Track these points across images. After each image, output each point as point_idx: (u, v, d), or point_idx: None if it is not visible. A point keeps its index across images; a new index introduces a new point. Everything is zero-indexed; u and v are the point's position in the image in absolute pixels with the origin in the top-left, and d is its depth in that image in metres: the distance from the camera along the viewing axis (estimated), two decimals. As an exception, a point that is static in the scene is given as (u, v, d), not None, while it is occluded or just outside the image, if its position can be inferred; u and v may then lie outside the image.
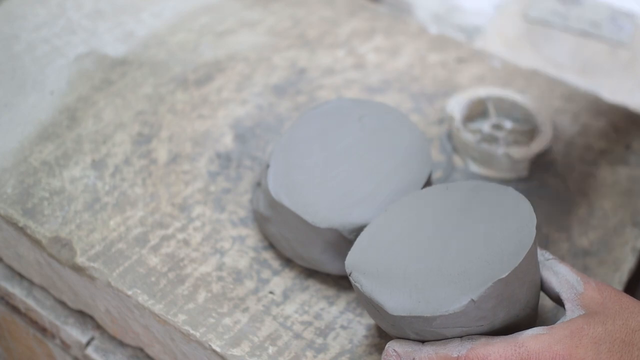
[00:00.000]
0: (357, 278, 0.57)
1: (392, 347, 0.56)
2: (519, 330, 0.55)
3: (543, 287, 0.58)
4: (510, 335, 0.53)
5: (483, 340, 0.53)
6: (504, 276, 0.52)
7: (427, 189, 0.62)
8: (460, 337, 0.54)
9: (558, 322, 0.55)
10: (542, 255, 0.59)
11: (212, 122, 0.77)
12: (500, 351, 0.52)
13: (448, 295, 0.53)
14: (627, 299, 0.55)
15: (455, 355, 0.53)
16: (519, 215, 0.56)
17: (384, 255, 0.58)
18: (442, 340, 0.54)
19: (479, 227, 0.57)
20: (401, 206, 0.61)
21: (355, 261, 0.58)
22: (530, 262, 0.55)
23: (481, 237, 0.56)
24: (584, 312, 0.54)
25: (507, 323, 0.55)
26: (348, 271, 0.58)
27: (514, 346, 0.52)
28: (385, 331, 0.58)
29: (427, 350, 0.54)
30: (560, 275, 0.57)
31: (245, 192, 0.71)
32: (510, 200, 0.58)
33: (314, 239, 0.63)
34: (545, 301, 0.64)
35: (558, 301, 0.57)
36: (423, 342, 0.55)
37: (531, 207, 0.57)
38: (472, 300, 0.52)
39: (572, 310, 0.55)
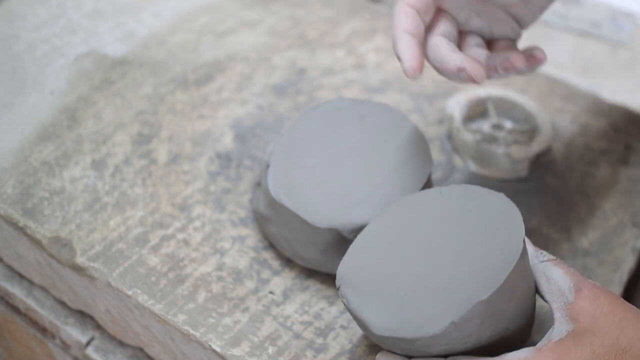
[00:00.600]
0: (345, 293, 0.57)
1: None
2: (510, 342, 0.55)
3: (537, 291, 0.57)
4: (496, 358, 0.53)
5: (466, 359, 0.53)
6: (485, 298, 0.52)
7: (421, 193, 0.62)
8: (445, 355, 0.54)
9: (544, 337, 0.54)
10: (537, 257, 0.57)
11: (212, 122, 0.77)
12: None
13: (430, 316, 0.53)
14: (621, 310, 0.53)
15: None
16: (508, 225, 0.55)
17: (373, 268, 0.58)
18: (428, 358, 0.54)
19: (469, 238, 0.56)
20: (393, 212, 0.61)
21: (345, 273, 0.58)
22: (517, 276, 0.53)
23: (469, 248, 0.55)
24: (572, 326, 0.53)
25: (495, 338, 0.54)
26: (337, 284, 0.58)
27: None
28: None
29: None
30: (552, 280, 0.55)
31: (245, 192, 0.71)
32: (502, 208, 0.56)
33: (314, 239, 0.63)
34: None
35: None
36: (410, 357, 0.55)
37: (521, 216, 0.55)
38: (453, 322, 0.52)
39: (560, 321, 0.54)
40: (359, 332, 0.63)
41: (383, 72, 0.84)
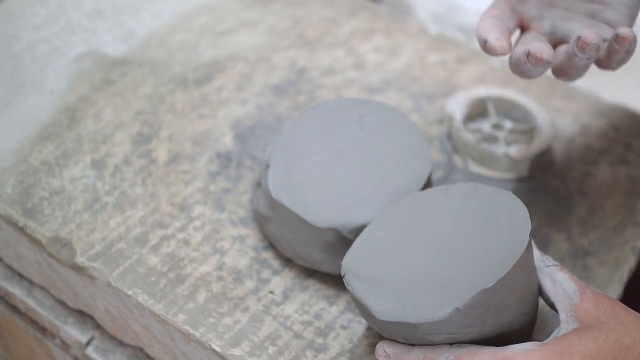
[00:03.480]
0: (350, 280, 0.57)
1: (383, 347, 0.56)
2: (512, 339, 0.55)
3: (541, 293, 0.58)
4: (501, 348, 0.53)
5: (472, 349, 0.53)
6: (490, 286, 0.52)
7: (429, 190, 0.62)
8: (450, 344, 0.54)
9: (552, 335, 0.54)
10: (543, 261, 0.58)
11: (212, 122, 0.77)
12: None
13: (434, 302, 0.53)
14: (623, 313, 0.54)
15: None
16: (515, 221, 0.56)
17: (379, 259, 0.58)
18: (432, 346, 0.54)
19: (474, 232, 0.57)
20: (401, 208, 0.61)
21: (351, 263, 0.59)
22: (522, 270, 0.54)
23: (475, 242, 0.56)
24: (577, 325, 0.54)
25: (498, 331, 0.54)
26: (343, 273, 0.58)
27: (502, 359, 0.52)
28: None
29: (416, 353, 0.54)
30: (557, 283, 0.57)
31: (245, 192, 0.71)
32: (508, 205, 0.57)
33: (314, 239, 0.63)
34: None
35: (555, 309, 0.57)
36: (412, 346, 0.55)
37: (527, 213, 0.56)
38: (457, 308, 0.52)
39: (566, 321, 0.55)
40: (360, 332, 0.63)
41: (383, 72, 0.84)
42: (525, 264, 0.54)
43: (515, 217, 0.56)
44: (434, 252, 0.57)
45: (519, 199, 0.57)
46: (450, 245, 0.57)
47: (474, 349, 0.53)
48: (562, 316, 0.55)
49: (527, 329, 0.57)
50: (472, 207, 0.58)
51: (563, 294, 0.56)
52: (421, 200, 0.61)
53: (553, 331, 0.55)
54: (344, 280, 0.58)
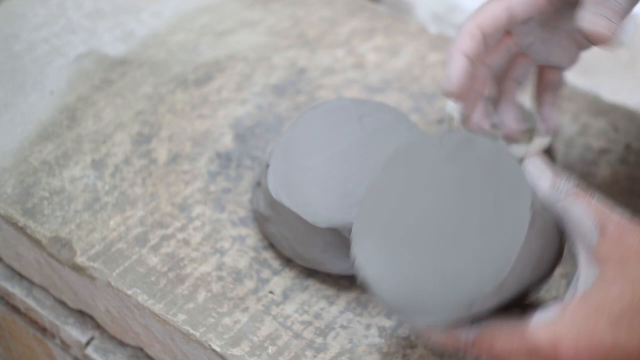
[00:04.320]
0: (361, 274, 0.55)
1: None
2: (532, 290, 0.52)
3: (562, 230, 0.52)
4: (520, 323, 0.50)
5: (491, 326, 0.51)
6: (495, 285, 0.49)
7: (419, 142, 0.58)
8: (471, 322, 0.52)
9: (570, 288, 0.50)
10: (554, 197, 0.51)
11: (212, 122, 0.77)
12: (505, 342, 0.50)
13: (439, 304, 0.51)
14: None
15: (464, 339, 0.51)
16: (514, 192, 0.51)
17: (385, 247, 0.54)
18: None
19: (473, 207, 0.53)
20: (392, 173, 0.57)
21: (361, 258, 0.55)
22: (528, 249, 0.50)
23: (476, 222, 0.52)
24: (598, 271, 0.48)
25: (516, 293, 0.52)
26: (353, 267, 0.55)
27: (521, 339, 0.49)
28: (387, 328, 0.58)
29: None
30: (573, 223, 0.50)
31: (245, 192, 0.71)
32: (506, 168, 0.52)
33: (314, 239, 0.63)
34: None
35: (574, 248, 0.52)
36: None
37: (527, 181, 0.51)
38: (466, 308, 0.50)
39: (586, 266, 0.49)
40: (359, 332, 0.63)
41: (383, 72, 0.84)
42: (530, 240, 0.50)
43: (514, 185, 0.51)
44: (437, 233, 0.53)
45: (517, 162, 0.52)
46: (452, 223, 0.53)
47: (494, 324, 0.50)
48: (581, 258, 0.49)
49: (548, 273, 0.54)
50: (469, 167, 0.54)
51: (580, 234, 0.50)
52: (414, 160, 0.57)
53: (569, 289, 0.50)
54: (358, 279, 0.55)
